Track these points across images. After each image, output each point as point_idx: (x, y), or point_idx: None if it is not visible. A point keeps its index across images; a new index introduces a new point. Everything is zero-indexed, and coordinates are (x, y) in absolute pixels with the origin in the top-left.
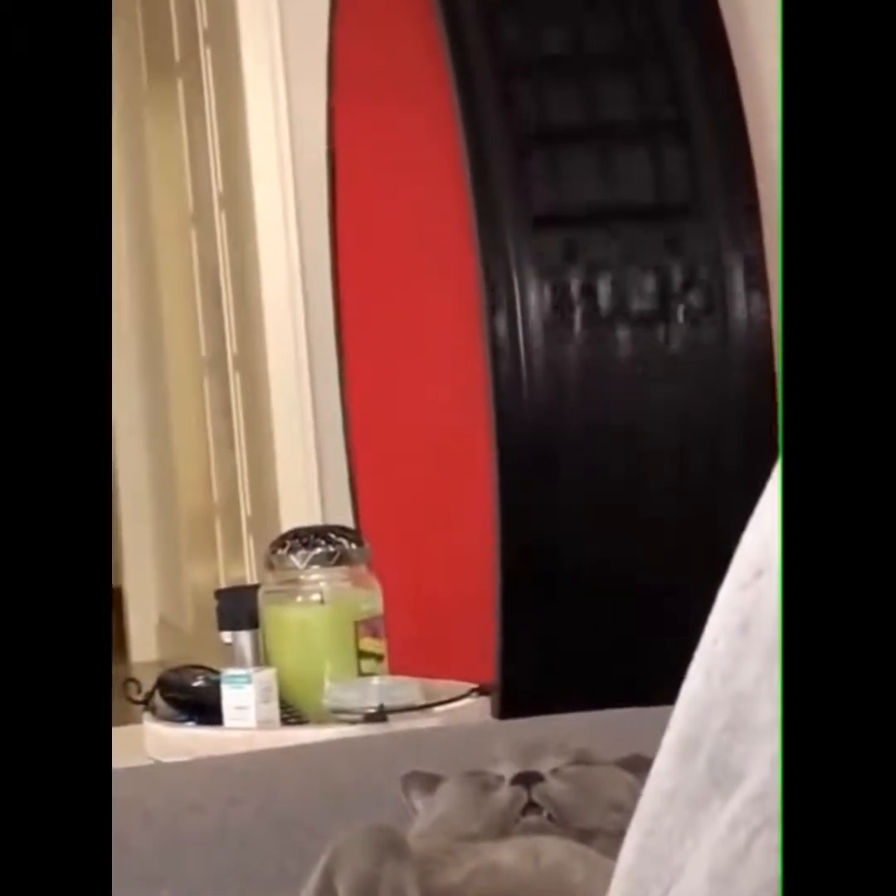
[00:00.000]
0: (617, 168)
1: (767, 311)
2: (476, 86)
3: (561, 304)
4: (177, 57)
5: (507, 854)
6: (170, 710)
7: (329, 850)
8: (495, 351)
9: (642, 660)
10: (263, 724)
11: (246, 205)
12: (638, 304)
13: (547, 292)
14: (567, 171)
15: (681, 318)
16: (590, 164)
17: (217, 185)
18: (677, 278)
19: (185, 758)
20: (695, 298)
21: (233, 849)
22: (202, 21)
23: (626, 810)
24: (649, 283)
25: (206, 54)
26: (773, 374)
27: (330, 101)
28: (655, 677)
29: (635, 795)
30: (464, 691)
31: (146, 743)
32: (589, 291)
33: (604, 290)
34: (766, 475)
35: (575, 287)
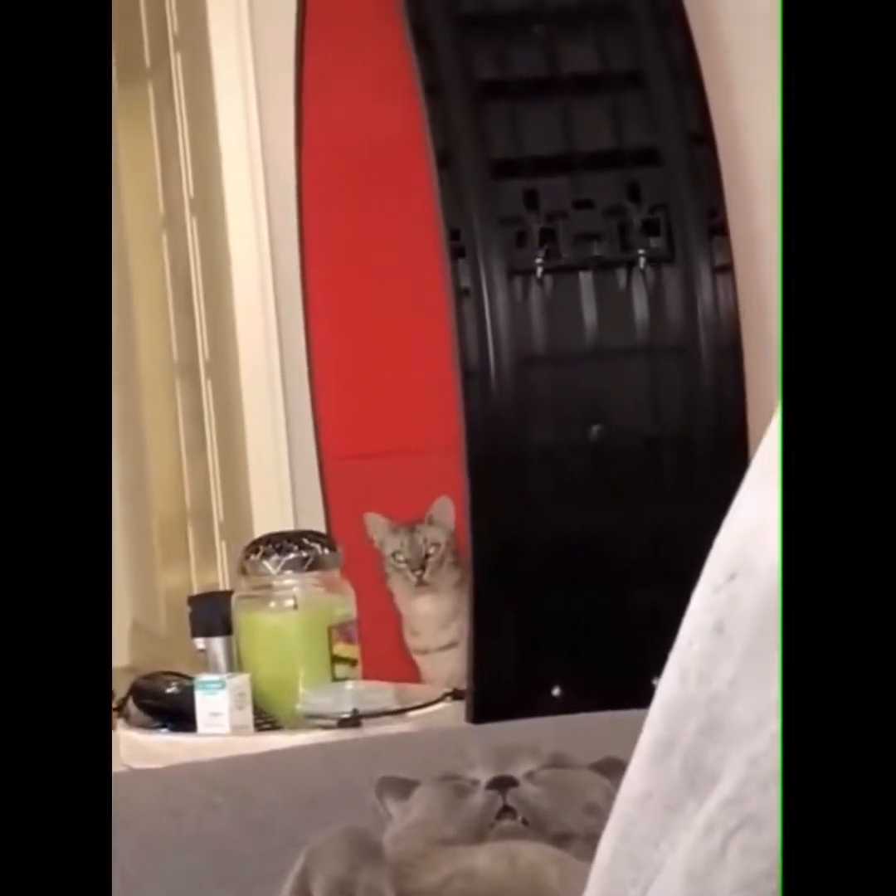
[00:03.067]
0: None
1: (729, 258)
2: (445, 95)
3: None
4: (147, 62)
5: (483, 858)
6: (143, 717)
7: (304, 854)
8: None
9: (618, 662)
10: (237, 731)
11: (217, 209)
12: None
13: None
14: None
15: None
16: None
17: (188, 190)
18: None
19: (160, 765)
20: (656, 244)
21: (210, 853)
22: (172, 26)
23: (600, 814)
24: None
25: (176, 59)
26: (736, 320)
27: (298, 103)
28: (631, 680)
29: (610, 799)
30: (438, 696)
31: (120, 750)
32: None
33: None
34: (733, 428)
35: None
